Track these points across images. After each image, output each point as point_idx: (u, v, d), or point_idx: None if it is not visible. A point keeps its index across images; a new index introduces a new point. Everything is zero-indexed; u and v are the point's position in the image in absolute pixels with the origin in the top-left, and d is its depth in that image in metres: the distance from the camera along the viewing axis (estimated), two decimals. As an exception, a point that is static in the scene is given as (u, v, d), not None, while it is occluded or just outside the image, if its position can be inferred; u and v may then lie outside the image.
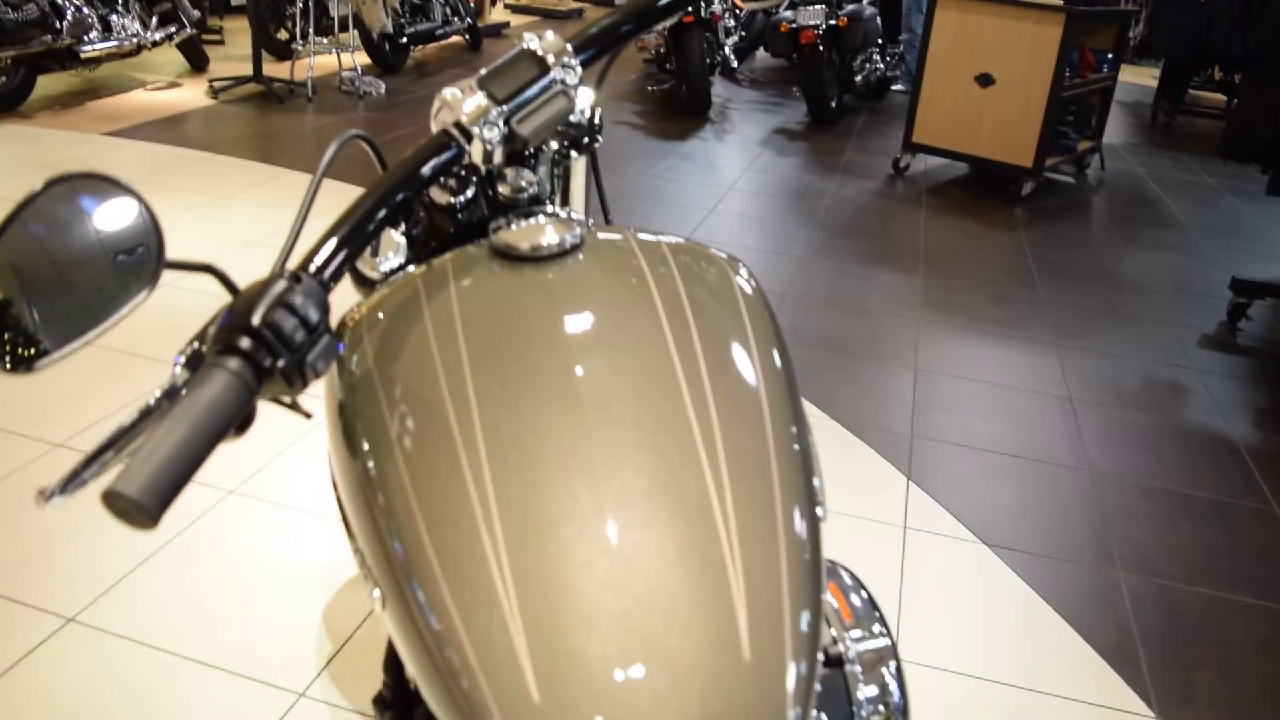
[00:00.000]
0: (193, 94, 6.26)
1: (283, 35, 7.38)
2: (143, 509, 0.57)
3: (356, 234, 0.77)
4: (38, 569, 2.02)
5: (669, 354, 0.76)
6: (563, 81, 0.91)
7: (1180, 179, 6.45)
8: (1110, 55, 6.03)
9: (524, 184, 0.94)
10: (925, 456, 2.78)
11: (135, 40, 6.03)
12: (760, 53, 9.31)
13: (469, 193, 0.96)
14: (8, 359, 0.69)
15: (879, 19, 7.67)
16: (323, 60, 7.06)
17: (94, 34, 5.71)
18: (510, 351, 0.75)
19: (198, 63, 6.92)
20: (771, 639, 0.64)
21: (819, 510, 0.75)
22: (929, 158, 5.93)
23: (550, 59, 0.90)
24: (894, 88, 8.13)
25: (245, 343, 0.66)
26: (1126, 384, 3.36)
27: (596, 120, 1.10)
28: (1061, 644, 2.10)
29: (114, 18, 5.89)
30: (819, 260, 4.31)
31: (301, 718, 1.72)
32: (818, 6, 6.73)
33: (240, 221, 4.04)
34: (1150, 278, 4.50)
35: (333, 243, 0.75)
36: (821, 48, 6.68)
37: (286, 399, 0.73)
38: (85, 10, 5.66)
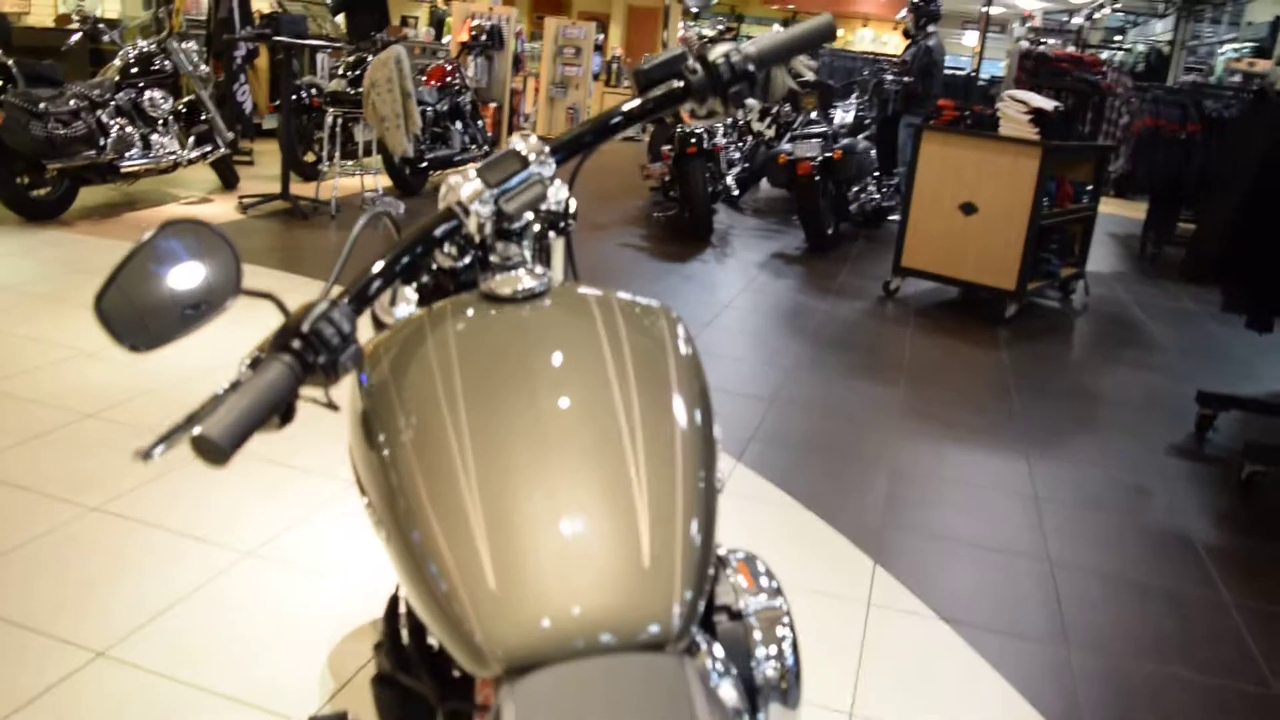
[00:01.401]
0: (223, 209, 6.65)
1: (309, 157, 7.83)
2: (219, 449, 0.82)
3: (379, 277, 1.01)
4: (73, 608, 2.20)
5: (606, 367, 0.99)
6: (539, 173, 1.15)
7: (1163, 305, 6.72)
8: (1090, 187, 6.38)
9: (511, 255, 1.17)
10: (892, 543, 2.95)
11: (173, 158, 6.45)
12: (764, 183, 9.76)
13: (467, 259, 1.21)
14: (136, 342, 0.96)
15: (874, 152, 8.11)
16: (346, 181, 7.48)
17: (135, 151, 6.13)
18: (489, 364, 0.98)
19: (229, 181, 7.34)
20: (664, 558, 0.85)
21: (717, 483, 0.96)
22: (920, 282, 6.23)
23: (531, 156, 1.15)
24: (890, 217, 8.50)
25: (296, 343, 0.90)
26: (1091, 487, 3.55)
27: (570, 209, 1.33)
28: (1008, 707, 2.25)
29: (154, 136, 6.32)
30: (807, 371, 4.54)
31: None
32: (814, 140, 7.14)
33: (265, 322, 4.31)
34: (1125, 393, 4.71)
35: (362, 282, 0.99)
36: (818, 178, 7.07)
37: (321, 398, 0.97)
38: (129, 129, 6.09)
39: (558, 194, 1.29)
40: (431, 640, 1.07)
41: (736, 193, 8.40)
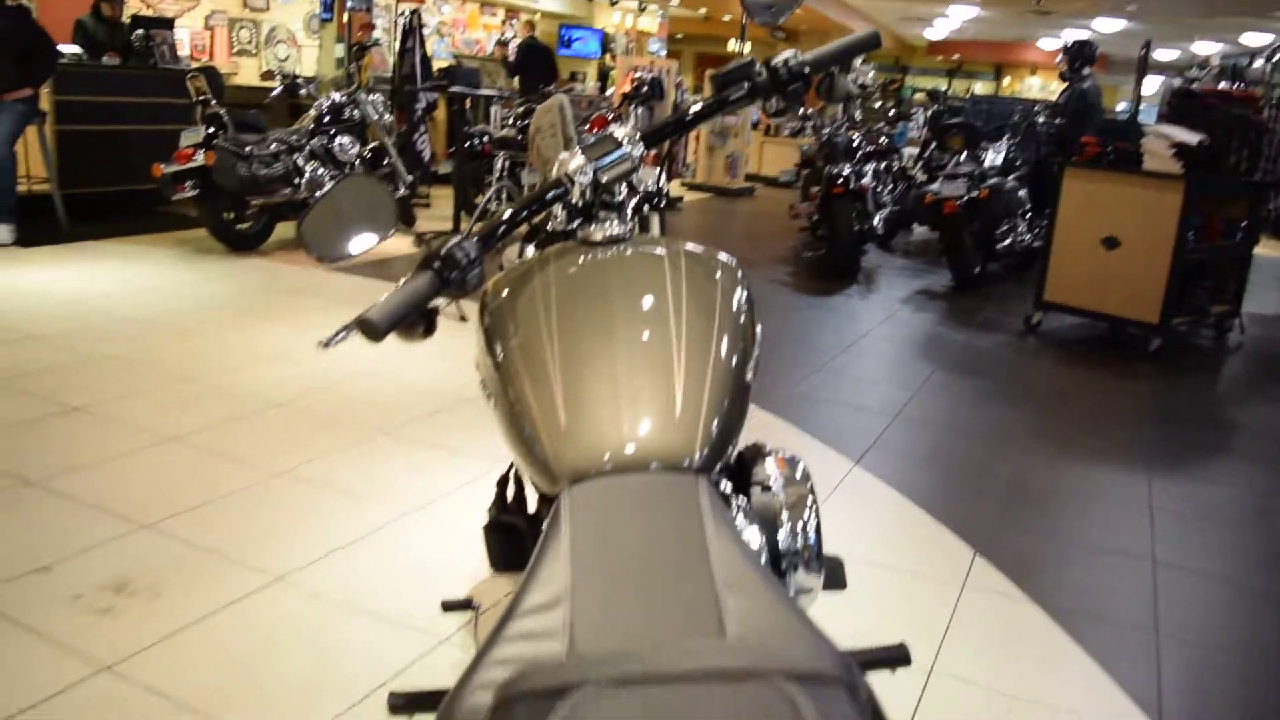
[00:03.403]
0: (400, 244, 7.26)
1: (480, 199, 8.42)
2: (376, 327, 1.14)
3: (501, 224, 1.33)
4: (259, 544, 2.62)
5: (665, 287, 1.29)
6: (630, 153, 1.45)
7: (1324, 346, 6.52)
8: (1244, 224, 6.28)
9: (610, 224, 1.47)
10: (996, 537, 3.10)
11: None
12: (918, 227, 9.88)
13: (576, 224, 1.53)
14: (321, 255, 1.32)
15: (1023, 192, 8.14)
16: (511, 221, 8.01)
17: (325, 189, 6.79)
18: (576, 287, 1.30)
19: (407, 219, 7.99)
20: (691, 413, 1.13)
21: (748, 373, 1.25)
22: (1065, 318, 6.26)
23: (624, 139, 1.45)
24: (1042, 258, 8.47)
25: (436, 262, 1.23)
26: (1211, 503, 3.59)
27: (663, 188, 1.64)
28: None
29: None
30: (934, 394, 4.69)
31: (441, 653, 2.22)
32: (960, 180, 7.27)
33: (436, 335, 4.78)
34: (1266, 426, 4.67)
35: (489, 227, 1.32)
36: (964, 217, 7.19)
37: (454, 311, 1.31)
38: (321, 170, 6.77)
39: (653, 178, 1.59)
40: (528, 492, 1.38)
41: (883, 233, 8.55)
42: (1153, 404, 4.80)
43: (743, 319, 1.31)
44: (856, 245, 7.71)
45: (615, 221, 1.42)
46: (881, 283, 7.61)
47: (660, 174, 1.58)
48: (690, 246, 1.43)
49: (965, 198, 7.15)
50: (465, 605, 1.64)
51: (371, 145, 7.55)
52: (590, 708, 0.59)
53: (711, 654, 0.66)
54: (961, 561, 2.93)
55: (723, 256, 1.43)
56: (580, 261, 1.35)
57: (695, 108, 1.54)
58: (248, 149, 6.35)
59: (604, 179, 1.42)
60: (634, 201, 1.57)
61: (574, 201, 1.46)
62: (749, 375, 1.27)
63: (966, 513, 3.30)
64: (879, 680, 2.03)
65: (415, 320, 1.30)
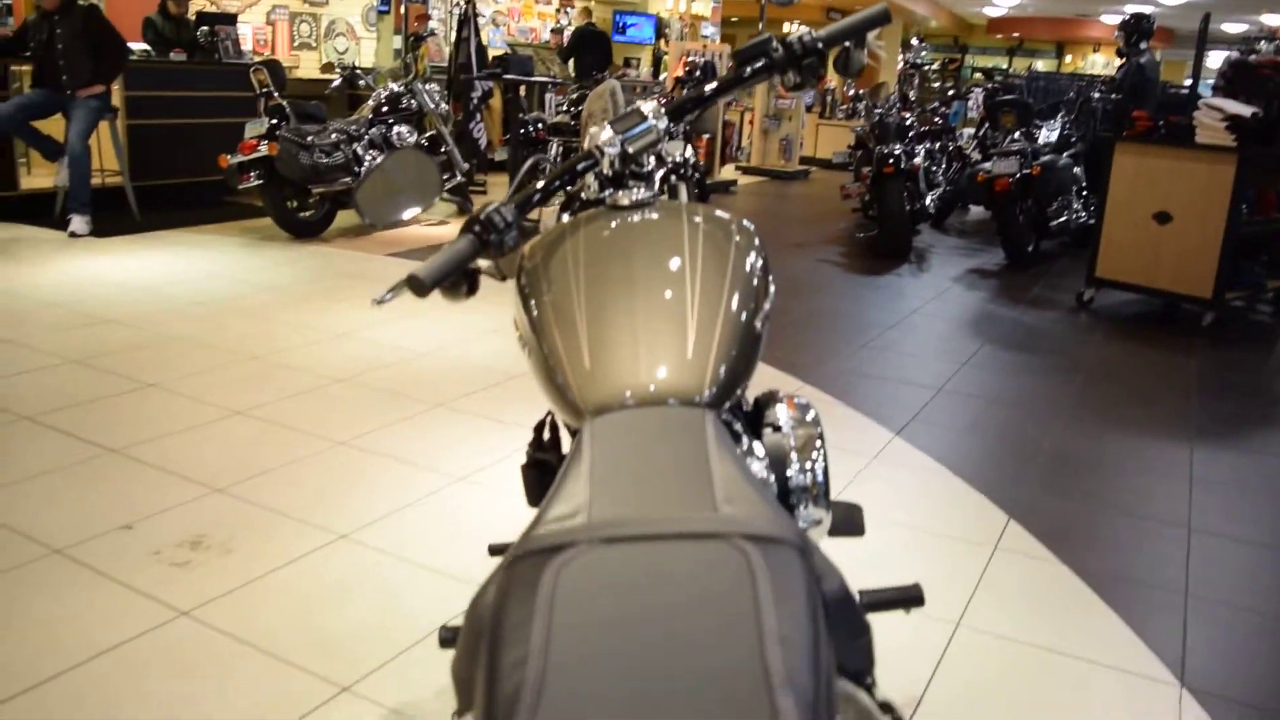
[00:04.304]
0: (457, 229, 7.44)
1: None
2: (423, 284, 1.27)
3: (536, 192, 1.46)
4: (323, 506, 2.79)
5: (682, 244, 1.40)
6: (655, 125, 1.57)
7: (1386, 320, 6.43)
8: (1302, 197, 6.22)
9: (637, 190, 1.59)
10: (1030, 502, 3.17)
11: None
12: (973, 207, 9.86)
13: (606, 194, 1.65)
14: (373, 219, 1.45)
15: (1078, 169, 8.09)
16: (565, 206, 8.16)
17: (376, 161, 7.00)
18: (603, 246, 1.42)
19: (464, 206, 8.17)
20: (702, 355, 1.25)
21: (758, 324, 1.36)
22: (1120, 295, 6.25)
23: (649, 113, 1.57)
24: (1097, 236, 8.41)
25: (477, 226, 1.35)
26: (1253, 473, 3.61)
27: (691, 160, 1.76)
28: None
29: (400, 167, 7.18)
30: (980, 368, 4.75)
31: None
32: (1012, 157, 7.26)
33: (486, 315, 4.94)
34: (1316, 396, 4.65)
35: (525, 194, 1.44)
36: (1017, 195, 7.18)
37: (497, 274, 1.43)
38: (380, 159, 6.97)
39: (680, 150, 1.71)
40: (561, 434, 1.51)
41: (937, 213, 8.54)
42: (1201, 378, 4.80)
43: (754, 276, 1.42)
44: (908, 225, 7.73)
45: (642, 188, 1.54)
46: (933, 262, 7.63)
47: (687, 146, 1.70)
48: (710, 211, 1.54)
49: (1018, 175, 7.14)
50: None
51: (428, 134, 7.74)
52: (580, 560, 0.71)
53: (687, 521, 0.78)
54: (995, 526, 3.01)
55: (740, 221, 1.54)
56: (607, 224, 1.47)
57: (721, 79, 1.65)
58: (309, 139, 6.56)
59: (631, 150, 1.53)
60: (661, 172, 1.68)
61: (604, 172, 1.58)
62: (759, 326, 1.38)
63: (1003, 481, 3.37)
64: (897, 621, 2.15)
65: (459, 280, 1.44)
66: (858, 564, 2.51)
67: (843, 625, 0.90)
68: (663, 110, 1.58)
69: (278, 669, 2.11)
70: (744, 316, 1.35)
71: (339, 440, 3.33)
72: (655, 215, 1.50)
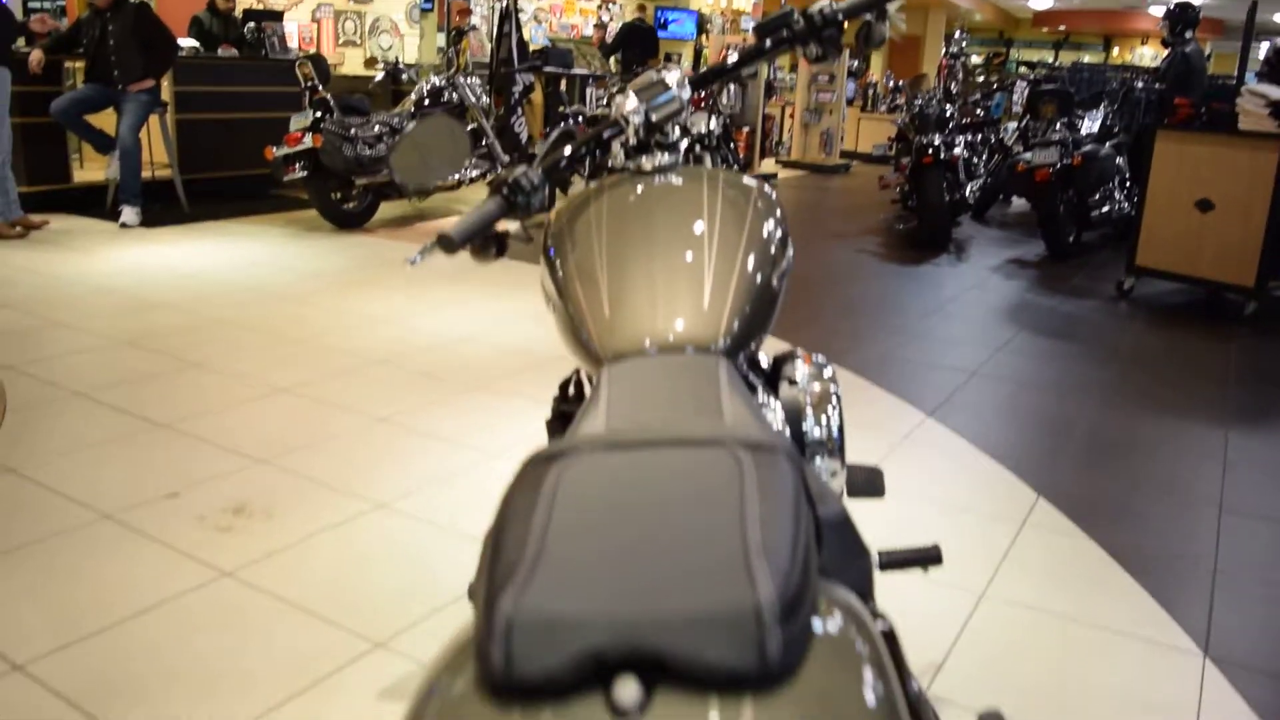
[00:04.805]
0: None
1: (575, 179, 8.66)
2: (452, 241, 1.33)
3: (564, 158, 1.51)
4: (364, 477, 2.87)
5: (701, 205, 1.45)
6: (678, 94, 1.62)
7: None
8: (1349, 186, 6.11)
9: (660, 156, 1.64)
10: (1062, 481, 3.18)
11: (456, 177, 7.39)
12: (1016, 199, 9.80)
13: (632, 162, 1.70)
14: (406, 182, 1.52)
15: (1121, 160, 8.01)
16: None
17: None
18: (625, 207, 1.48)
19: (527, 238, 8.24)
20: (717, 307, 1.30)
21: (774, 280, 1.40)
22: (1161, 284, 6.20)
23: (673, 83, 1.62)
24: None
25: (505, 189, 1.41)
26: (1290, 454, 3.60)
27: (716, 131, 1.81)
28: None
29: (442, 159, 7.28)
30: (1015, 354, 4.74)
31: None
32: (1052, 147, 7.21)
33: (526, 302, 5.02)
34: (1359, 383, 4.60)
35: (553, 159, 1.50)
36: (1057, 186, 7.13)
37: (524, 236, 1.49)
38: (420, 151, 7.06)
39: (705, 122, 1.76)
40: (586, 391, 1.57)
41: (977, 204, 8.49)
42: (1241, 365, 4.76)
43: (771, 237, 1.46)
44: (947, 215, 7.70)
45: (665, 154, 1.59)
46: (973, 252, 7.60)
47: (710, 118, 1.74)
48: (730, 176, 1.59)
49: (1059, 165, 7.09)
50: None
51: (470, 127, 7.83)
52: (583, 462, 0.77)
53: (687, 430, 0.83)
54: (1024, 503, 3.03)
55: (760, 186, 1.58)
56: (630, 187, 1.53)
57: (742, 51, 1.70)
58: (352, 131, 6.67)
59: (655, 118, 1.59)
60: (686, 142, 1.73)
61: (630, 140, 1.63)
62: (775, 283, 1.42)
63: (1034, 460, 3.38)
64: (921, 591, 2.20)
65: (488, 242, 1.50)
66: (883, 539, 2.54)
67: (839, 543, 0.94)
68: (686, 81, 1.63)
69: (315, 625, 2.19)
70: (760, 273, 1.39)
71: (378, 417, 3.41)
72: (677, 179, 1.55)
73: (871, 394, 3.98)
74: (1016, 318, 5.50)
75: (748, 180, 1.59)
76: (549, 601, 0.57)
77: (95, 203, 7.05)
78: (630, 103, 1.59)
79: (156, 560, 2.43)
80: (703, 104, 9.49)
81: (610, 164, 1.77)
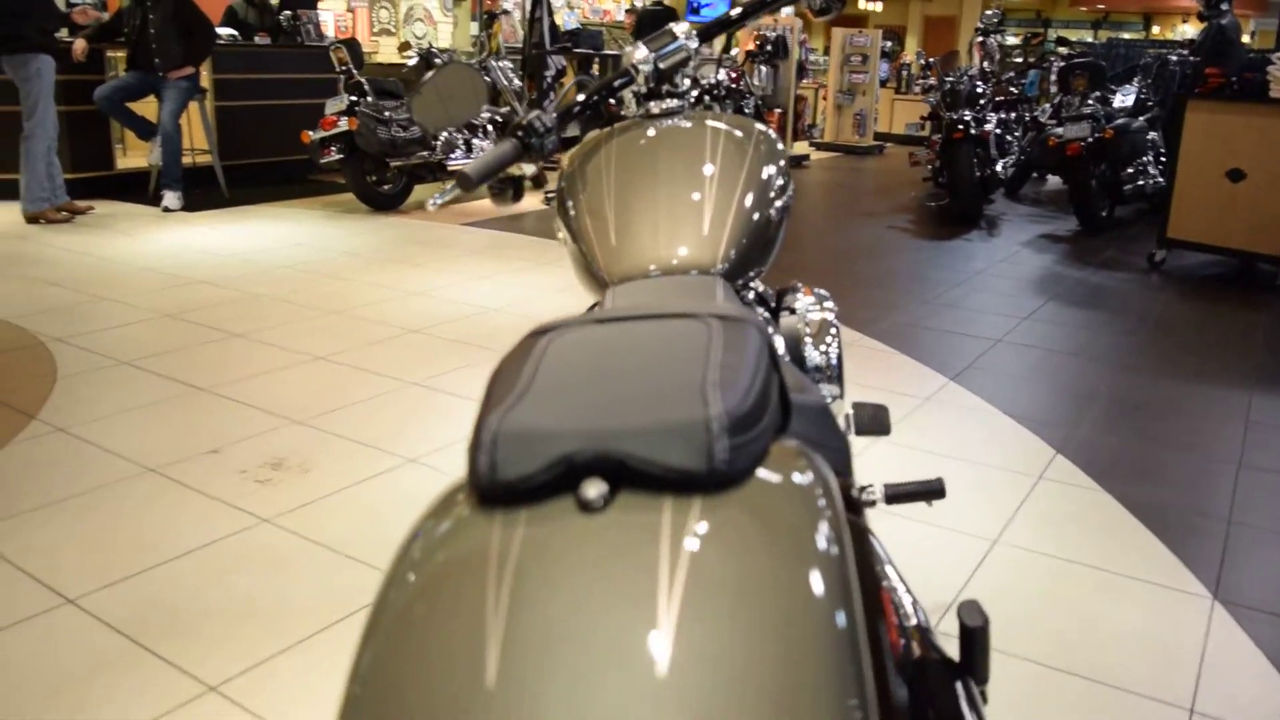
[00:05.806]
0: (530, 201, 7.61)
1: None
2: (470, 180, 1.41)
3: (577, 104, 1.59)
4: (395, 435, 2.98)
5: (705, 142, 1.53)
6: (685, 44, 1.69)
7: None
8: (1384, 154, 6.06)
9: (669, 102, 1.72)
10: (1081, 439, 3.22)
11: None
12: (1051, 176, 9.76)
13: (638, 108, 1.78)
14: (426, 124, 1.62)
15: (1154, 134, 7.96)
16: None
17: (458, 152, 7.21)
18: (635, 147, 1.55)
19: (538, 180, 8.35)
20: (715, 235, 1.38)
21: (771, 213, 1.47)
22: (1194, 256, 6.18)
23: (681, 34, 1.69)
24: (1174, 201, 8.26)
25: (519, 131, 1.49)
26: (1314, 415, 3.61)
27: (724, 82, 1.88)
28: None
29: (475, 140, 7.38)
30: (1042, 322, 4.76)
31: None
32: (1084, 121, 7.18)
33: (556, 276, 5.12)
34: (1391, 348, 4.58)
35: (566, 105, 1.58)
36: (1089, 160, 7.11)
37: (539, 184, 1.58)
38: (454, 134, 7.18)
39: (714, 73, 1.83)
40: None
41: (1009, 180, 8.46)
42: (1271, 334, 4.75)
43: (771, 174, 1.53)
44: (979, 190, 7.69)
45: (674, 101, 1.67)
46: (1004, 228, 7.60)
47: (719, 68, 1.81)
48: (734, 118, 1.66)
49: (1090, 139, 7.06)
50: None
51: (502, 110, 7.93)
52: (571, 333, 0.85)
53: (669, 306, 0.90)
54: (1042, 458, 3.08)
55: (762, 129, 1.65)
56: (639, 130, 1.60)
57: (739, 8, 1.77)
58: (387, 114, 6.79)
59: (663, 66, 1.66)
60: (696, 91, 1.80)
61: (640, 89, 1.71)
62: (774, 216, 1.49)
63: (1053, 420, 3.42)
64: (933, 538, 2.26)
65: (504, 185, 1.58)
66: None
67: (815, 428, 1.02)
68: (694, 32, 1.70)
69: (348, 565, 2.30)
70: (759, 206, 1.47)
71: (411, 381, 3.52)
72: (683, 122, 1.63)
73: (895, 360, 4.03)
74: (1045, 289, 5.52)
75: (753, 123, 1.66)
76: (529, 419, 0.66)
77: (138, 188, 7.24)
78: (640, 52, 1.66)
79: (198, 509, 2.55)
80: (736, 85, 9.55)
81: (623, 113, 1.86)
